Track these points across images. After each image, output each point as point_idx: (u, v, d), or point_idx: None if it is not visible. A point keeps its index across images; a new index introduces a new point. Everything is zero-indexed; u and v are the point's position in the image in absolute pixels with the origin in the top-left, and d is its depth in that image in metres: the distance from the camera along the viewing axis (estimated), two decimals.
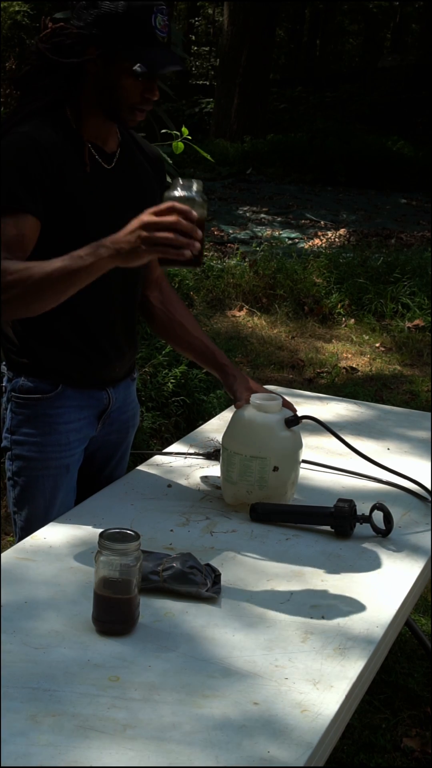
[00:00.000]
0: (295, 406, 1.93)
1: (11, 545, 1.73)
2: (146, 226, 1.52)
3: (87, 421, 1.93)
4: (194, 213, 1.52)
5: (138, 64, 1.71)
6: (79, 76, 1.76)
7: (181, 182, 1.57)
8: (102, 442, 2.00)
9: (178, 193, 1.56)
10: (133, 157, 1.91)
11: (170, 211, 1.51)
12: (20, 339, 1.86)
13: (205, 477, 2.01)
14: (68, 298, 1.67)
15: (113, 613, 1.41)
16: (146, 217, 1.53)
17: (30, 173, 1.71)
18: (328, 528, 1.77)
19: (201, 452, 2.13)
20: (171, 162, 2.95)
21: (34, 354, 1.86)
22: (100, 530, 1.42)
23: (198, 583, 1.52)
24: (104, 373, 1.93)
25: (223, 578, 1.58)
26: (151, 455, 2.13)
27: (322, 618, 1.48)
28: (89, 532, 1.71)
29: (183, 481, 1.98)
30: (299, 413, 1.88)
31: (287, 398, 2.23)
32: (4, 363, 1.93)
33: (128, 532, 1.42)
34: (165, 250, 1.51)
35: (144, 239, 1.51)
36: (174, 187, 1.57)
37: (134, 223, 1.54)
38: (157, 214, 1.52)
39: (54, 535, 1.71)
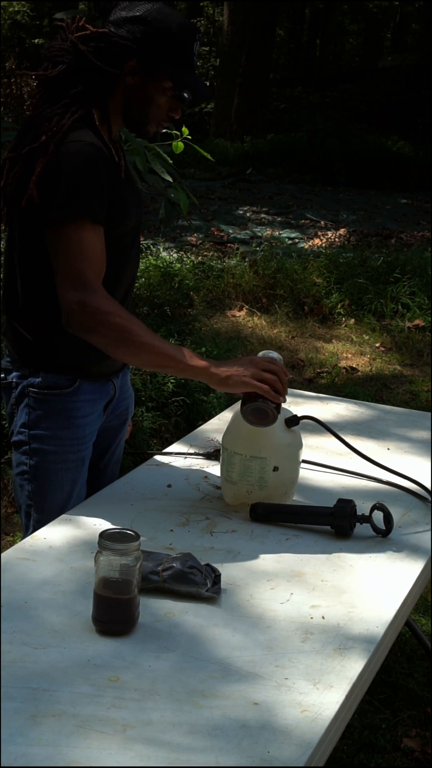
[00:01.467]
0: (295, 406, 1.93)
1: (11, 545, 1.73)
2: (258, 364, 1.76)
3: (98, 413, 1.97)
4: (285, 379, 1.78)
5: (186, 90, 1.80)
6: (113, 84, 1.80)
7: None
8: (103, 429, 2.03)
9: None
10: (127, 166, 1.96)
11: (275, 366, 1.77)
12: (37, 336, 1.87)
13: (205, 477, 2.01)
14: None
15: (113, 613, 1.41)
16: (257, 360, 1.78)
17: (101, 184, 1.75)
18: (328, 528, 1.77)
19: (201, 452, 2.13)
20: (171, 162, 2.95)
21: (52, 350, 1.88)
22: (100, 530, 1.42)
23: (198, 583, 1.52)
24: (115, 365, 1.97)
25: (223, 578, 1.58)
26: (151, 455, 2.13)
27: (322, 618, 1.48)
28: (89, 532, 1.71)
29: (183, 481, 1.98)
30: (299, 413, 1.88)
31: (288, 398, 2.23)
32: (6, 359, 1.94)
33: (128, 532, 1.42)
34: (265, 389, 1.74)
35: (254, 374, 1.74)
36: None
37: (244, 361, 1.77)
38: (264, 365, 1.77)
39: (54, 535, 1.71)
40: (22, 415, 1.91)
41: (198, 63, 19.36)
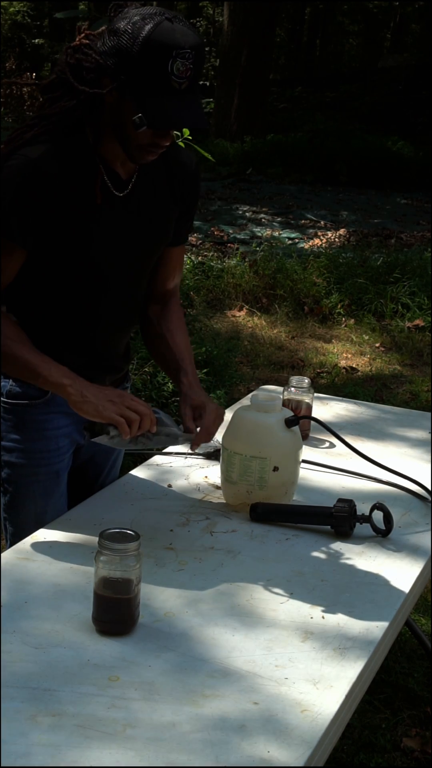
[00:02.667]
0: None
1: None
2: (125, 402, 1.66)
3: (75, 427, 1.88)
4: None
5: (138, 116, 1.57)
6: (99, 101, 1.64)
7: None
8: (93, 452, 1.97)
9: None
10: (152, 180, 1.80)
11: (143, 408, 1.67)
12: None
13: (206, 477, 2.01)
14: (62, 310, 1.76)
15: (113, 613, 1.41)
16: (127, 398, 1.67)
17: (27, 203, 1.64)
18: (328, 528, 1.77)
19: (201, 452, 2.13)
20: None
21: None
22: (100, 530, 1.42)
23: (173, 426, 1.59)
24: (96, 380, 1.89)
25: (223, 578, 1.58)
26: (151, 455, 2.13)
27: (322, 618, 1.48)
28: (89, 532, 1.71)
29: (183, 481, 1.98)
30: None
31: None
32: None
33: (128, 532, 1.42)
34: (118, 421, 1.64)
35: (116, 409, 1.64)
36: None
37: (113, 395, 1.66)
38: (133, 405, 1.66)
39: (54, 535, 1.71)
40: None
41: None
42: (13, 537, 1.88)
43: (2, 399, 1.85)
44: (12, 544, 1.85)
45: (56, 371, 1.67)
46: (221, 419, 1.80)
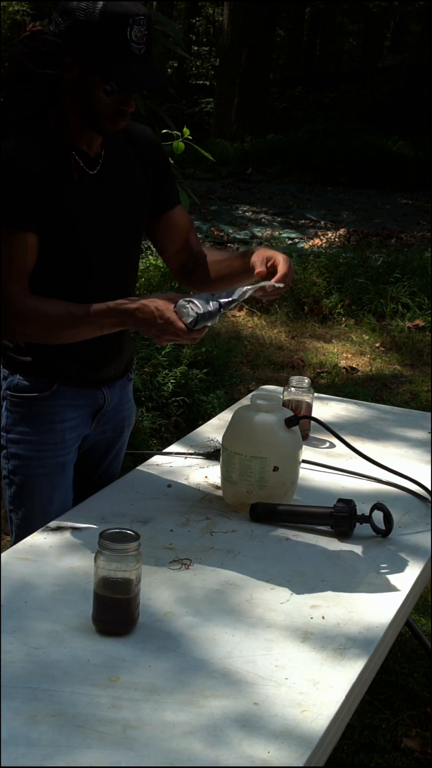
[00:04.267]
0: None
1: (11, 545, 1.73)
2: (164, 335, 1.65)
3: (82, 419, 1.93)
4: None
5: (110, 83, 1.65)
6: (59, 83, 1.72)
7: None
8: (96, 440, 2.00)
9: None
10: (119, 154, 1.86)
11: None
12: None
13: (206, 477, 2.01)
14: (53, 294, 1.77)
15: (113, 613, 1.41)
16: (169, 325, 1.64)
17: (18, 191, 1.69)
18: (328, 528, 1.77)
19: (201, 452, 2.13)
20: (172, 161, 2.95)
21: (30, 353, 1.86)
22: (100, 530, 1.42)
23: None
24: (100, 373, 1.93)
25: (223, 578, 1.58)
26: (151, 455, 2.13)
27: (322, 618, 1.48)
28: (89, 532, 1.71)
29: (183, 481, 1.98)
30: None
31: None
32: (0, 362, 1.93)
33: (128, 532, 1.42)
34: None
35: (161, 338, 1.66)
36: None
37: (159, 319, 1.64)
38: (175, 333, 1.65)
39: (54, 535, 1.71)
40: (2, 419, 1.90)
41: (197, 63, 19.40)
42: (19, 529, 1.90)
43: (10, 392, 1.88)
44: (18, 536, 1.87)
45: (108, 320, 1.69)
46: (292, 269, 1.79)
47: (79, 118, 1.74)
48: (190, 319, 1.64)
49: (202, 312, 1.64)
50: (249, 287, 1.70)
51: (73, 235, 1.77)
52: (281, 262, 1.76)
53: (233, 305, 1.68)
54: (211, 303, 1.65)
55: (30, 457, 1.88)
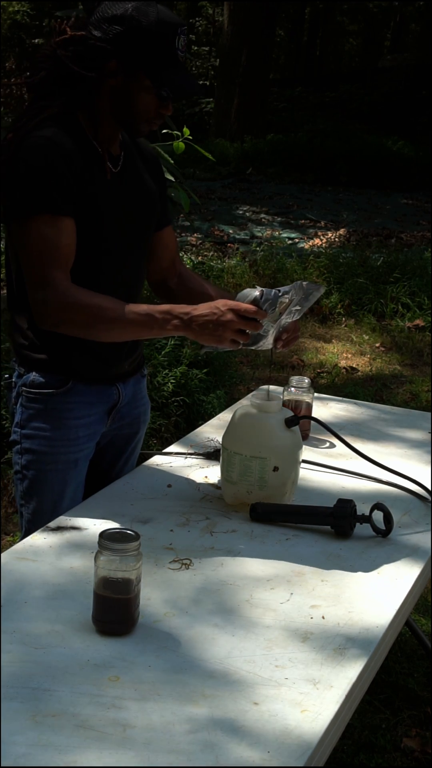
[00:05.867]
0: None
1: (11, 545, 1.73)
2: (230, 325, 1.68)
3: (97, 416, 1.94)
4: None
5: (165, 89, 1.75)
6: (98, 86, 1.77)
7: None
8: (113, 436, 2.02)
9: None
10: (134, 158, 1.93)
11: (256, 313, 1.68)
12: (34, 334, 1.88)
13: (206, 477, 2.01)
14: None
15: (113, 613, 1.41)
16: (233, 311, 1.68)
17: (61, 176, 1.73)
18: (328, 528, 1.77)
19: (201, 452, 2.13)
20: (172, 161, 2.95)
21: (46, 350, 1.88)
22: (100, 530, 1.42)
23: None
24: (114, 370, 1.95)
25: (223, 578, 1.58)
26: (151, 455, 2.13)
27: (322, 618, 1.48)
28: (89, 532, 1.71)
29: (183, 481, 1.98)
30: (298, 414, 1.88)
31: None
32: (13, 359, 1.94)
33: (128, 532, 1.42)
34: (240, 338, 1.70)
35: (227, 329, 1.68)
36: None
37: (221, 308, 1.68)
38: (244, 312, 1.68)
39: (54, 535, 1.71)
40: (17, 414, 1.92)
41: (197, 63, 19.44)
42: (29, 524, 1.92)
43: (25, 389, 1.89)
44: (27, 530, 1.89)
45: (162, 316, 1.72)
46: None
47: (112, 119, 1.81)
48: (256, 292, 1.69)
49: (264, 290, 1.70)
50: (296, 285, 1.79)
51: (98, 230, 1.81)
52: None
53: (288, 296, 1.75)
54: (272, 291, 1.72)
55: (43, 452, 1.89)
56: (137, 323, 1.72)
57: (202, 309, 1.70)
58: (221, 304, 1.70)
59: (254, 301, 1.69)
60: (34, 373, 1.89)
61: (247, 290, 1.70)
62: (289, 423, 1.83)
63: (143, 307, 1.73)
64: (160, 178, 2.02)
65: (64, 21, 1.79)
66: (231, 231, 8.39)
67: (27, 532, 1.86)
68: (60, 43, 1.76)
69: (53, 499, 1.91)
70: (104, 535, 1.40)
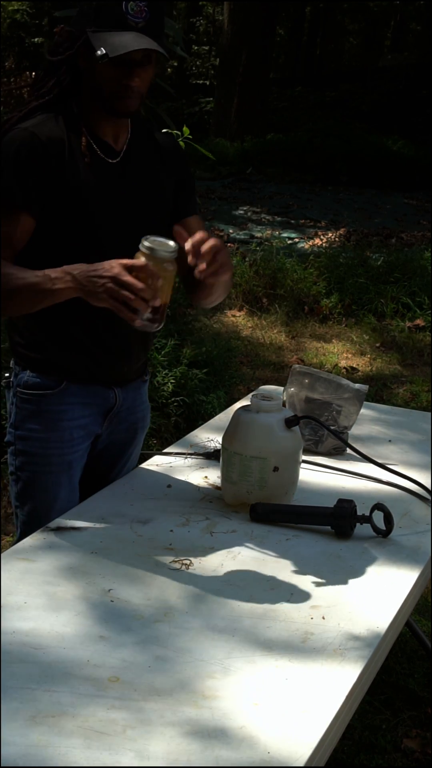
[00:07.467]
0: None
1: (11, 545, 1.73)
2: (115, 280, 1.57)
3: (92, 418, 1.93)
4: (160, 281, 1.57)
5: (100, 48, 1.69)
6: (77, 72, 1.79)
7: (159, 242, 1.59)
8: (109, 441, 2.01)
9: (155, 246, 1.59)
10: (144, 152, 1.90)
11: (143, 270, 1.56)
12: (30, 333, 1.87)
13: (205, 477, 2.01)
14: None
15: None
16: (118, 269, 1.57)
17: (27, 169, 1.73)
18: (328, 528, 1.77)
19: (201, 452, 2.13)
20: None
21: (41, 349, 1.88)
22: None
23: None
24: (110, 372, 1.93)
25: (223, 578, 1.58)
26: (151, 455, 2.13)
27: (322, 618, 1.48)
28: (89, 532, 1.71)
29: (183, 481, 1.98)
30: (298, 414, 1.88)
31: (286, 397, 2.22)
32: (12, 358, 1.94)
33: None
34: (121, 308, 1.57)
35: (108, 290, 1.57)
36: (154, 243, 1.59)
37: (107, 269, 1.58)
38: (130, 269, 1.57)
39: (54, 535, 1.71)
40: (12, 415, 1.91)
41: (197, 62, 19.43)
42: (24, 525, 1.91)
43: (20, 389, 1.89)
44: (23, 532, 1.89)
45: (55, 273, 1.66)
46: (212, 240, 1.65)
47: (98, 107, 1.79)
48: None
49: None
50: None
51: (91, 221, 1.79)
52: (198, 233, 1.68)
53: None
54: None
55: (37, 454, 1.89)
56: (35, 284, 1.67)
57: (96, 265, 1.62)
58: (118, 261, 1.59)
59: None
60: (28, 373, 1.88)
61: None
62: (289, 423, 1.83)
63: (44, 270, 1.68)
64: (180, 170, 1.97)
65: (58, 27, 1.83)
66: (231, 231, 8.39)
67: (22, 534, 1.86)
68: (49, 44, 1.84)
69: (47, 500, 1.90)
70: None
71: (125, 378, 1.97)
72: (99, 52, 1.69)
